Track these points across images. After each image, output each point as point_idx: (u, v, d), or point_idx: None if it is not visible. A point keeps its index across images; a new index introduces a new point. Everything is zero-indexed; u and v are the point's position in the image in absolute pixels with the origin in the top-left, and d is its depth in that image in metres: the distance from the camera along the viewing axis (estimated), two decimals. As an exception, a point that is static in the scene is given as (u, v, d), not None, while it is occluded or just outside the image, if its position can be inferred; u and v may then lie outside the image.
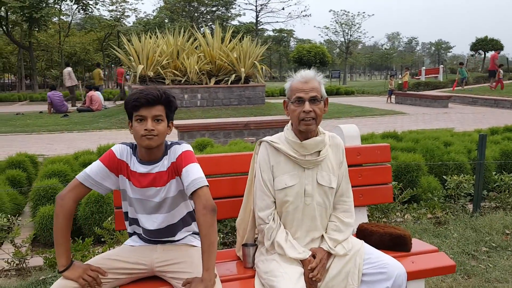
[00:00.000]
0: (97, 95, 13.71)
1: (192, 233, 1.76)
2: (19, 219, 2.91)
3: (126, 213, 1.74)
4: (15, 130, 9.66)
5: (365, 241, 1.84)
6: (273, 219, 1.70)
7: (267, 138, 1.77)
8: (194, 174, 1.55)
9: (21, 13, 22.32)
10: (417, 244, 1.98)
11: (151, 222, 1.66)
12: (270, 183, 1.72)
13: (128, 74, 15.42)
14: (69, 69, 15.68)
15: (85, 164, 4.12)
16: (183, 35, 12.77)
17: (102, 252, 2.68)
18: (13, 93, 23.42)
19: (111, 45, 17.26)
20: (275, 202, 1.73)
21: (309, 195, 1.71)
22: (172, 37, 12.47)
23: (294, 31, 54.08)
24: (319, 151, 1.73)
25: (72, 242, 2.71)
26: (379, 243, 1.92)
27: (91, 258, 2.62)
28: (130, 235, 1.78)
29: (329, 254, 1.67)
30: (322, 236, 1.73)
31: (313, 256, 1.65)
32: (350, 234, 1.78)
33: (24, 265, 2.71)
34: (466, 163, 4.20)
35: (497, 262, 2.64)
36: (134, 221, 1.72)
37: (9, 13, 23.23)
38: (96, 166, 1.61)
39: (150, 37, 12.40)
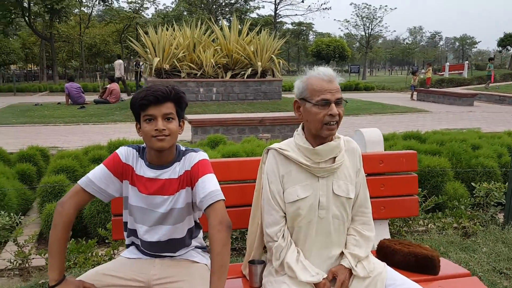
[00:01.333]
0: (118, 88, 13.68)
1: (194, 248, 1.60)
2: (22, 217, 2.81)
3: (126, 223, 1.59)
4: (33, 121, 9.76)
5: (386, 261, 1.66)
6: (283, 236, 1.52)
7: (275, 145, 1.59)
8: (212, 186, 1.41)
9: (43, 4, 22.68)
10: (446, 266, 1.77)
11: (151, 233, 1.51)
12: (279, 196, 1.54)
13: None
14: (120, 61, 15.53)
15: (95, 160, 4.03)
16: (200, 27, 12.62)
17: (105, 255, 2.58)
18: (34, 83, 23.91)
19: (129, 37, 17.32)
20: (285, 216, 1.55)
21: (324, 207, 1.52)
22: (189, 30, 12.33)
23: (313, 24, 53.30)
24: (334, 158, 1.54)
25: (75, 243, 2.61)
26: (402, 264, 1.73)
27: (93, 260, 2.56)
28: (128, 246, 1.63)
29: (350, 273, 1.49)
30: (341, 254, 1.55)
31: (334, 277, 1.48)
32: (370, 251, 1.60)
33: (27, 264, 2.62)
34: (497, 169, 3.91)
35: (532, 283, 2.39)
36: (133, 232, 1.58)
37: (31, 4, 23.64)
38: (99, 171, 1.48)
39: (167, 29, 12.29)
